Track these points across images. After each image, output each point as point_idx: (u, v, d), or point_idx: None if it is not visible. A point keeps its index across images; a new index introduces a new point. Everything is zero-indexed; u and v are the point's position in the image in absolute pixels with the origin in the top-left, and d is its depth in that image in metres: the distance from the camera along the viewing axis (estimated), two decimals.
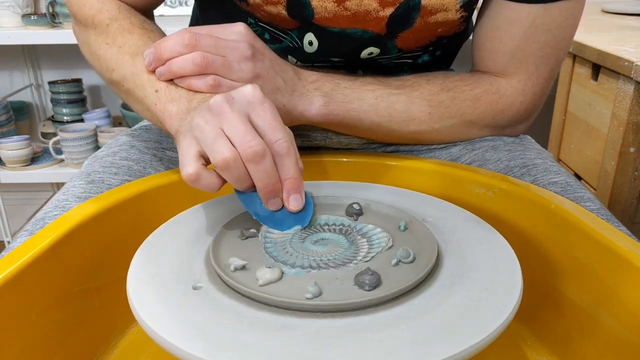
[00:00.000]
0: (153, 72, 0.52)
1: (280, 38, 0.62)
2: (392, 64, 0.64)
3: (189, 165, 0.40)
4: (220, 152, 0.39)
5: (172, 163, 0.61)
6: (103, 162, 0.58)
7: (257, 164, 0.39)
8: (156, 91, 0.51)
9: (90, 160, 0.60)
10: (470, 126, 0.61)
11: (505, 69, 0.60)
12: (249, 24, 0.62)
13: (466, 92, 0.59)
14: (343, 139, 0.64)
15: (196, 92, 0.50)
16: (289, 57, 0.63)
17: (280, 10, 0.57)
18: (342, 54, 0.61)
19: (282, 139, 0.40)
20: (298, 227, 0.43)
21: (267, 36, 0.62)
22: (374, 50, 0.60)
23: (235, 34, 0.51)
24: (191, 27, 0.51)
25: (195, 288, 0.37)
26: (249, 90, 0.42)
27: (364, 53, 0.60)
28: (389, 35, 0.59)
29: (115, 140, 0.64)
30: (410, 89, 0.58)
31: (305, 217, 0.43)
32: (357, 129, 0.59)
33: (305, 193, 0.43)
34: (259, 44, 0.52)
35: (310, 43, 0.60)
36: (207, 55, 0.49)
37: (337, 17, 0.56)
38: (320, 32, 0.59)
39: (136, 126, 0.69)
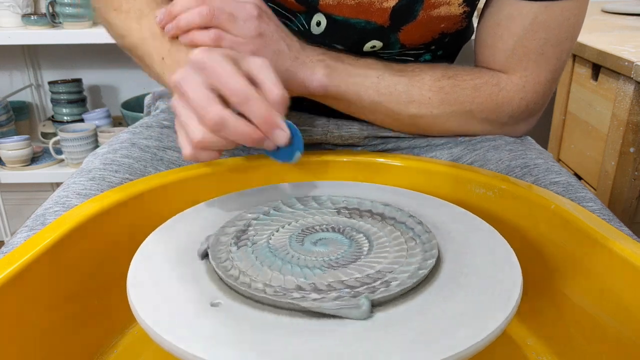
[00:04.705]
0: (163, 28, 0.53)
1: (287, 22, 0.62)
2: (393, 59, 0.64)
3: (184, 148, 0.44)
4: (194, 138, 0.43)
5: (173, 163, 0.61)
6: (104, 159, 0.58)
7: (224, 131, 0.42)
8: (162, 59, 0.53)
9: (91, 157, 0.60)
10: (469, 117, 0.61)
11: (505, 65, 0.60)
12: None
13: (467, 81, 0.60)
14: (344, 132, 0.64)
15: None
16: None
17: None
18: (345, 43, 0.61)
19: (234, 88, 0.42)
20: (298, 154, 0.47)
21: None
22: (377, 43, 0.60)
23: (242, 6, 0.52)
24: None
25: (195, 288, 0.37)
26: (204, 58, 0.43)
27: (367, 46, 0.61)
28: (392, 28, 0.59)
29: (116, 138, 0.64)
30: (412, 73, 0.59)
31: (299, 142, 0.47)
32: (356, 106, 0.59)
33: (288, 123, 0.45)
34: (267, 9, 0.54)
35: (318, 24, 0.60)
36: (214, 8, 0.50)
37: (340, 5, 0.57)
38: (326, 18, 0.59)
39: (137, 123, 0.69)
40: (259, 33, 0.51)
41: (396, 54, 0.63)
